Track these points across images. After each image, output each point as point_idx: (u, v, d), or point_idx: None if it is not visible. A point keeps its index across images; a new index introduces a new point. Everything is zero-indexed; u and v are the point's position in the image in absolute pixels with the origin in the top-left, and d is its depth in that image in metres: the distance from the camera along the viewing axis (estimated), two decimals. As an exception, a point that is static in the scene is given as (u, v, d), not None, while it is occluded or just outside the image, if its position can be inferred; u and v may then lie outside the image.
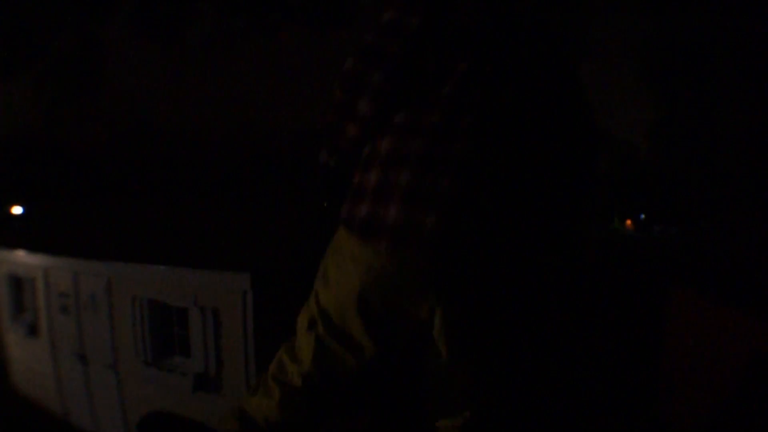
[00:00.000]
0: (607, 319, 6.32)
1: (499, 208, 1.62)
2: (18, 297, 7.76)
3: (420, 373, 2.08)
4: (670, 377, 3.89)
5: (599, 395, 4.17)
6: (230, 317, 4.69)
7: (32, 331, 7.31)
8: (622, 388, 4.34)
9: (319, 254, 1.95)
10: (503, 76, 1.69)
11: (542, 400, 3.95)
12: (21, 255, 7.46)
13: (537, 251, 1.78)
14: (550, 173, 1.76)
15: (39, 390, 7.32)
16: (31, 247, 7.33)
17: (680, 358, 3.77)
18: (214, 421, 2.20)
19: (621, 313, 6.49)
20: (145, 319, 5.15)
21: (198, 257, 5.15)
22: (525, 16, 1.84)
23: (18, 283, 7.71)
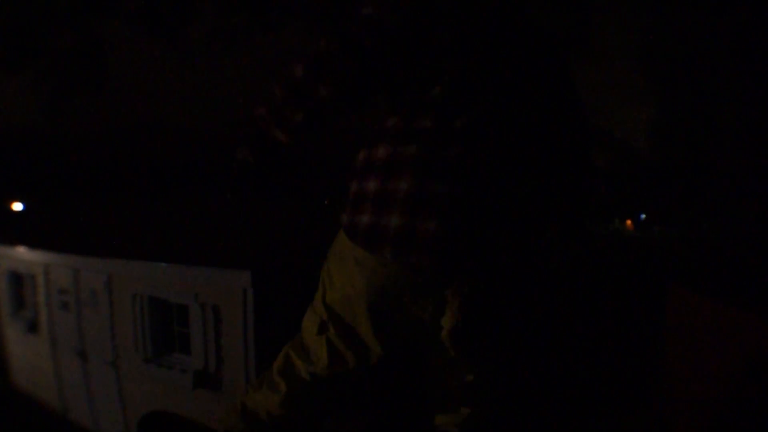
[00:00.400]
0: (608, 318, 6.33)
1: (498, 209, 1.64)
2: (18, 293, 7.78)
3: (419, 372, 2.10)
4: (670, 375, 3.91)
5: (599, 392, 4.18)
6: (231, 314, 4.69)
7: (32, 327, 7.32)
8: (621, 385, 4.35)
9: (320, 252, 1.96)
10: (492, 75, 1.69)
11: (540, 396, 3.96)
12: (21, 251, 7.47)
13: (537, 249, 1.79)
14: (545, 170, 1.77)
15: (38, 387, 7.33)
16: (32, 244, 7.34)
17: (679, 355, 3.78)
18: (214, 419, 2.21)
19: (621, 312, 6.49)
20: (145, 316, 5.15)
21: (199, 254, 5.15)
22: (510, 12, 1.81)
23: (18, 280, 7.73)
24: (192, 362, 5.01)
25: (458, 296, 1.72)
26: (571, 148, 1.89)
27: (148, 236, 6.75)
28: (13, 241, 7.74)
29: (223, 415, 2.08)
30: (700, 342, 3.45)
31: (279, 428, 1.92)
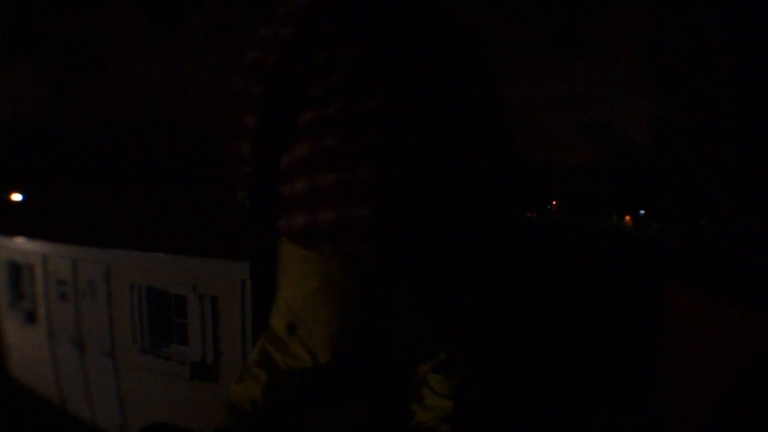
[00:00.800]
0: (605, 313, 6.33)
1: (427, 188, 1.68)
2: (16, 284, 7.77)
3: (391, 362, 2.15)
4: (668, 371, 3.91)
5: (595, 388, 4.18)
6: (229, 305, 4.69)
7: (30, 318, 7.31)
8: (619, 381, 4.35)
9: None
10: (395, 55, 1.74)
11: (535, 393, 3.96)
12: (20, 242, 7.46)
13: (476, 226, 1.83)
14: (465, 150, 1.82)
15: (36, 377, 7.33)
16: (31, 234, 7.33)
17: (677, 352, 3.78)
18: (211, 412, 2.23)
19: (619, 307, 6.50)
20: (143, 307, 5.14)
21: (197, 245, 5.14)
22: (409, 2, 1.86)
23: (17, 270, 7.72)
24: (190, 353, 5.01)
25: (410, 277, 1.77)
26: (487, 132, 1.94)
27: (146, 227, 6.74)
28: (12, 232, 7.73)
29: (214, 413, 2.11)
30: (698, 338, 3.45)
31: (265, 417, 1.94)
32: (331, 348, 1.83)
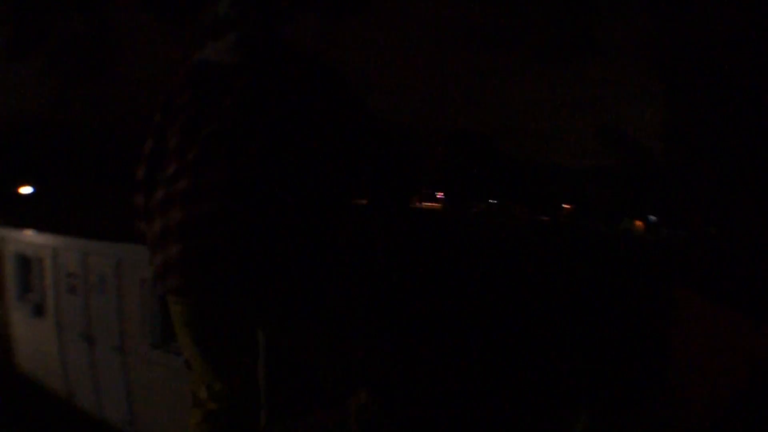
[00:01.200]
0: (613, 318, 6.30)
1: (232, 220, 1.86)
2: (25, 277, 7.77)
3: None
4: (676, 378, 3.89)
5: (603, 394, 4.17)
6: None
7: (39, 311, 7.32)
8: (626, 387, 4.33)
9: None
10: (217, 105, 2.00)
11: (538, 399, 3.95)
12: (30, 235, 7.48)
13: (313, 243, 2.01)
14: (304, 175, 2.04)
15: (44, 370, 7.34)
16: (40, 227, 7.35)
17: (686, 359, 3.76)
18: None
19: (627, 313, 6.46)
20: (153, 302, 5.13)
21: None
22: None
23: (26, 263, 7.73)
24: (198, 349, 5.00)
25: (256, 307, 1.97)
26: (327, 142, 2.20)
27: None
28: (22, 225, 7.75)
29: None
30: (707, 347, 3.43)
31: None
32: (218, 377, 2.00)
